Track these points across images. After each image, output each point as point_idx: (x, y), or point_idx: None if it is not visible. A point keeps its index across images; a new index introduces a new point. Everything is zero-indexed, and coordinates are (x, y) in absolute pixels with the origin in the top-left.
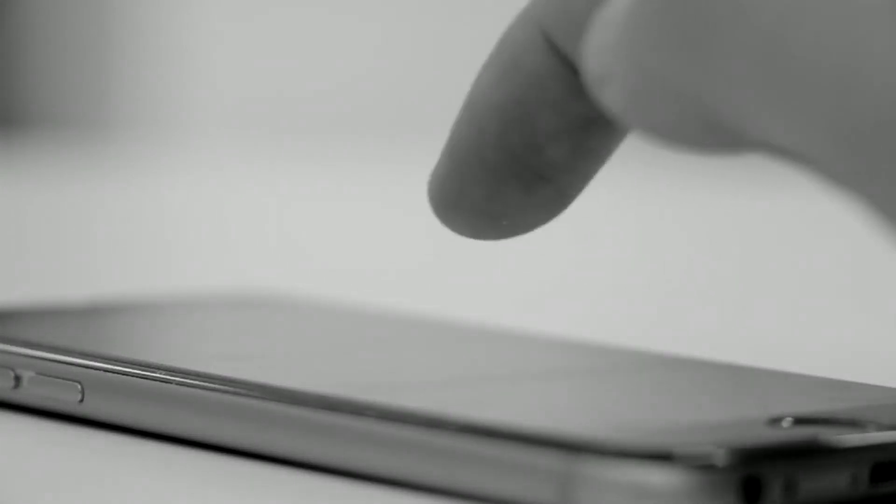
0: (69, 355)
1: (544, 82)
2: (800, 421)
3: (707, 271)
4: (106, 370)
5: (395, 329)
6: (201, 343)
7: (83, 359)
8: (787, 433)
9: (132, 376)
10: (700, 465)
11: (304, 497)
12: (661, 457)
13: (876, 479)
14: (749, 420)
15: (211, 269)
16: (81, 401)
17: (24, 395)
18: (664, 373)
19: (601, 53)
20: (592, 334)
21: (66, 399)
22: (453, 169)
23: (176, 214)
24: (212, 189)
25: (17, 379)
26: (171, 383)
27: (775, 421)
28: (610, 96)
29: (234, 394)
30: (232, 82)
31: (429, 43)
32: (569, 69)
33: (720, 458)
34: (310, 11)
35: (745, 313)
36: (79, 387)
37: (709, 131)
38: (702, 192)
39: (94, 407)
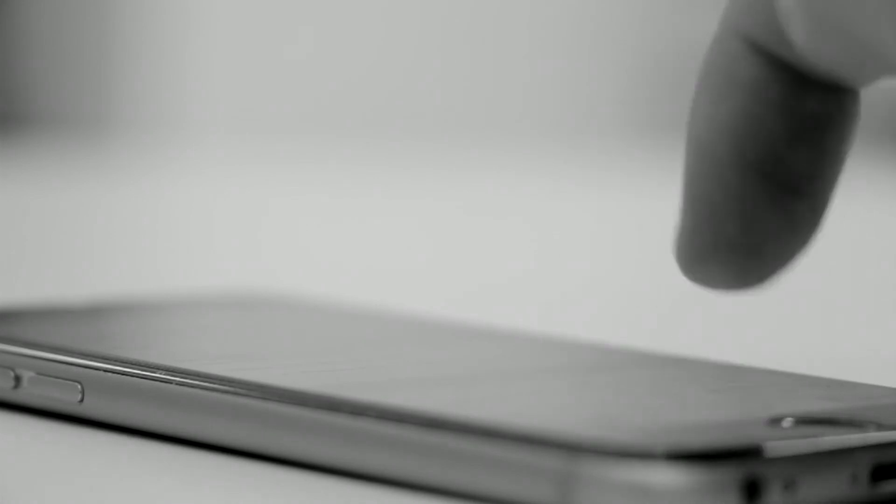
0: (69, 355)
1: (764, 88)
2: (800, 421)
3: None
4: (106, 370)
5: (394, 329)
6: (201, 343)
7: (83, 359)
8: (787, 433)
9: (132, 376)
10: (700, 465)
11: (304, 497)
12: (661, 457)
13: (876, 479)
14: (749, 420)
15: (210, 269)
16: (81, 401)
17: (24, 395)
18: (664, 372)
19: None
20: (592, 334)
21: (66, 399)
22: (700, 212)
23: (176, 214)
24: (212, 189)
25: (17, 379)
26: (171, 383)
27: (775, 421)
28: (794, 31)
29: (234, 394)
30: (232, 83)
31: (428, 44)
32: (783, 68)
33: (720, 458)
34: (310, 12)
35: (746, 314)
36: (79, 387)
37: (873, 64)
38: None
39: (94, 407)
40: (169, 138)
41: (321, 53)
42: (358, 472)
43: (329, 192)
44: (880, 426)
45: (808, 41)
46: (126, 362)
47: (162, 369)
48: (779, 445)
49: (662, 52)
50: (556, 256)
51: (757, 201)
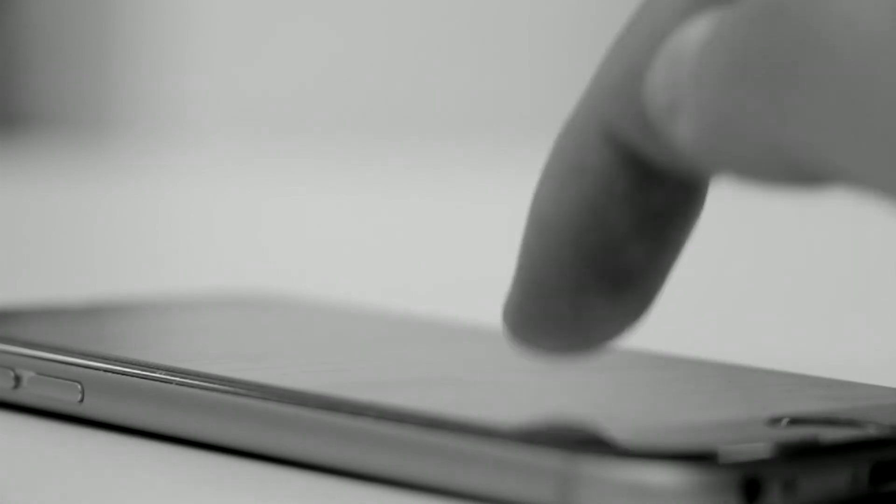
0: (69, 355)
1: (612, 179)
2: (800, 421)
3: (708, 271)
4: (106, 370)
5: (394, 329)
6: (201, 343)
7: (83, 359)
8: (787, 433)
9: (132, 376)
10: (700, 465)
11: (304, 497)
12: (661, 457)
13: (876, 479)
14: (749, 420)
15: (209, 269)
16: (81, 401)
17: (24, 395)
18: (664, 372)
19: (671, 86)
20: None
21: (66, 399)
22: (532, 290)
23: (175, 214)
24: (211, 189)
25: (17, 379)
26: (171, 383)
27: (775, 421)
28: (679, 130)
29: (234, 394)
30: (231, 83)
31: (428, 44)
32: (634, 162)
33: (720, 458)
34: (309, 12)
35: (746, 313)
36: (79, 387)
37: (786, 169)
38: None
39: (94, 407)
40: (169, 139)
41: (321, 54)
42: (358, 472)
43: (329, 192)
44: (880, 426)
45: (701, 141)
46: (126, 362)
47: (162, 369)
48: (779, 445)
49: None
50: None
51: (589, 287)
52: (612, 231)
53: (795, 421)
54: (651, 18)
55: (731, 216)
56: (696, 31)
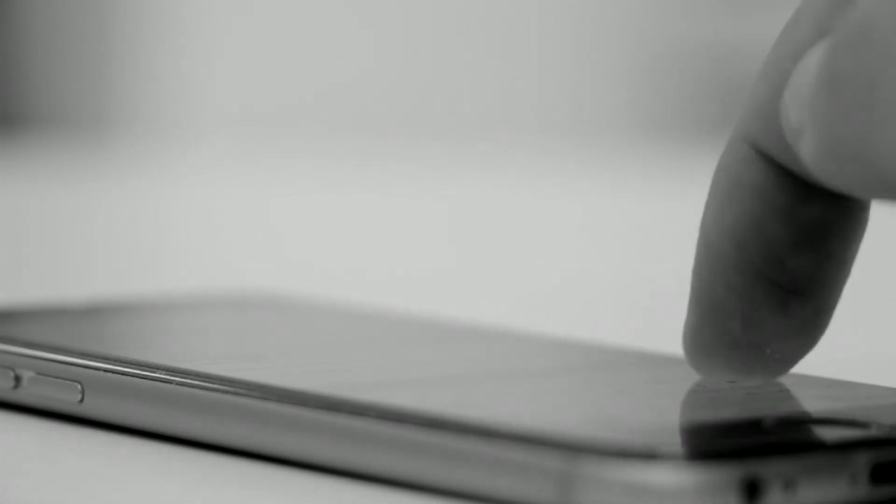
0: (69, 355)
1: (768, 194)
2: (800, 421)
3: None
4: (106, 370)
5: (393, 329)
6: (201, 343)
7: (83, 359)
8: (788, 433)
9: (132, 376)
10: (700, 465)
11: (304, 497)
12: (661, 457)
13: (876, 479)
14: (749, 420)
15: (209, 269)
16: (81, 401)
17: (24, 395)
18: (664, 372)
19: (798, 108)
20: (592, 334)
21: (66, 399)
22: (705, 309)
23: (175, 214)
24: (211, 189)
25: (17, 379)
26: (171, 383)
27: (775, 421)
28: (803, 150)
29: (235, 394)
30: (231, 84)
31: (430, 43)
32: (788, 175)
33: (720, 458)
34: (308, 13)
35: None
36: (79, 387)
37: (881, 184)
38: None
39: (94, 407)
40: (169, 138)
41: (322, 53)
42: (358, 472)
43: (329, 192)
44: (880, 426)
45: (818, 162)
46: (126, 362)
47: (162, 369)
48: (779, 445)
49: (663, 53)
50: (556, 256)
51: (759, 302)
52: (774, 244)
53: (795, 421)
54: (793, 39)
55: None
56: (815, 54)
